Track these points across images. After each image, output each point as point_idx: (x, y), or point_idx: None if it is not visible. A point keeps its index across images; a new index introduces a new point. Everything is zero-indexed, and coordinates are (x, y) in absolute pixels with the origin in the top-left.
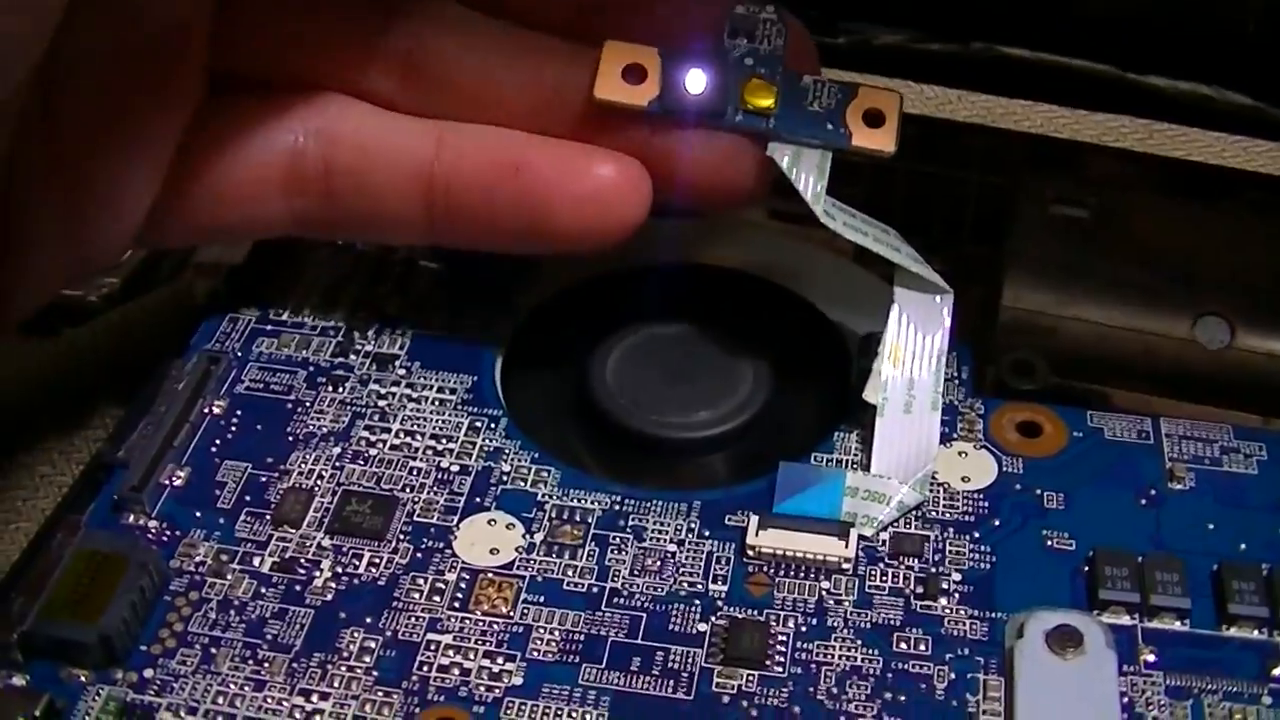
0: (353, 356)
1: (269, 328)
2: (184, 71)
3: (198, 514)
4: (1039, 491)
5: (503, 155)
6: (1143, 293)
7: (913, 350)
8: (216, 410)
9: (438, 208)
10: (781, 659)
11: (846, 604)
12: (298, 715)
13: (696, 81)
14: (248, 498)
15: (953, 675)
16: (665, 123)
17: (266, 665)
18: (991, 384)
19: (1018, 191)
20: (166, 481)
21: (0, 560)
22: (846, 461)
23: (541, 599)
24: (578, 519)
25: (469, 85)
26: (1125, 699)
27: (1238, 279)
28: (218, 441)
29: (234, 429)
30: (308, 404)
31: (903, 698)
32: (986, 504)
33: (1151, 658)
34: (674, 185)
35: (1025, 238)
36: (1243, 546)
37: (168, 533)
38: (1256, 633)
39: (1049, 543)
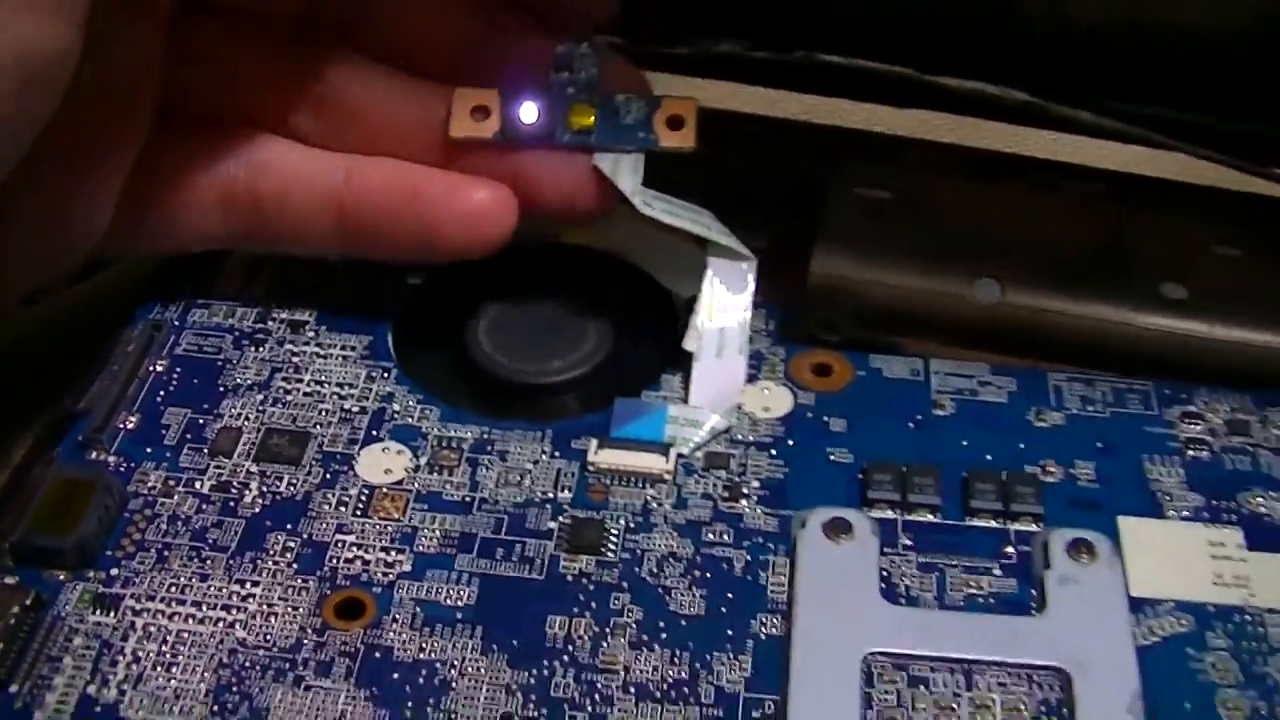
0: (271, 323)
1: (200, 301)
2: (139, 108)
3: (148, 450)
4: (825, 418)
5: (401, 183)
6: (930, 260)
7: (723, 306)
8: (160, 369)
9: (348, 227)
10: (614, 548)
11: (666, 506)
12: (235, 599)
13: (529, 113)
14: (189, 436)
15: (749, 558)
16: (510, 148)
17: (209, 562)
18: (803, 338)
19: (830, 177)
20: (121, 425)
21: None
22: (670, 397)
23: (425, 507)
24: (454, 446)
25: (371, 123)
26: (885, 573)
27: (1009, 247)
28: (162, 393)
29: (175, 383)
30: (234, 362)
31: (709, 575)
32: (783, 428)
33: (908, 542)
34: (534, 200)
35: (834, 216)
36: (988, 458)
37: (124, 465)
38: (993, 522)
39: (831, 457)
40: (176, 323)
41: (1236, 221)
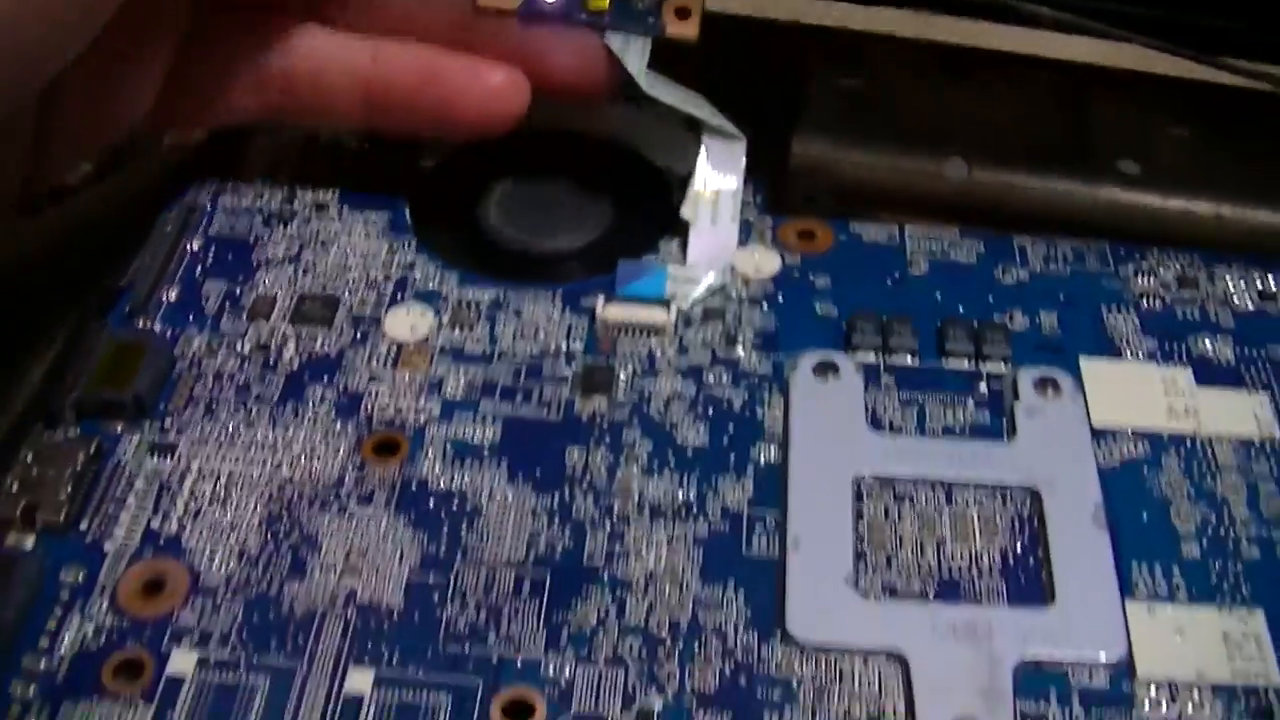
0: (296, 204)
1: (229, 187)
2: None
3: (190, 317)
4: (811, 277)
5: (423, 65)
6: (903, 142)
7: (717, 180)
8: (195, 247)
9: (374, 104)
10: (624, 390)
11: (670, 353)
12: (279, 442)
13: None
14: (227, 304)
15: (747, 396)
16: (532, 23)
17: (254, 412)
18: (787, 213)
19: (810, 69)
20: (164, 298)
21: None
22: (669, 260)
23: (450, 359)
24: (473, 306)
25: (396, 9)
26: (869, 408)
27: (976, 130)
28: (199, 268)
29: (211, 259)
30: (265, 239)
31: (710, 411)
32: (773, 286)
33: (890, 382)
34: (546, 77)
35: (814, 103)
36: (960, 310)
37: (169, 331)
38: (966, 364)
39: (818, 310)
40: (209, 206)
41: (1187, 106)
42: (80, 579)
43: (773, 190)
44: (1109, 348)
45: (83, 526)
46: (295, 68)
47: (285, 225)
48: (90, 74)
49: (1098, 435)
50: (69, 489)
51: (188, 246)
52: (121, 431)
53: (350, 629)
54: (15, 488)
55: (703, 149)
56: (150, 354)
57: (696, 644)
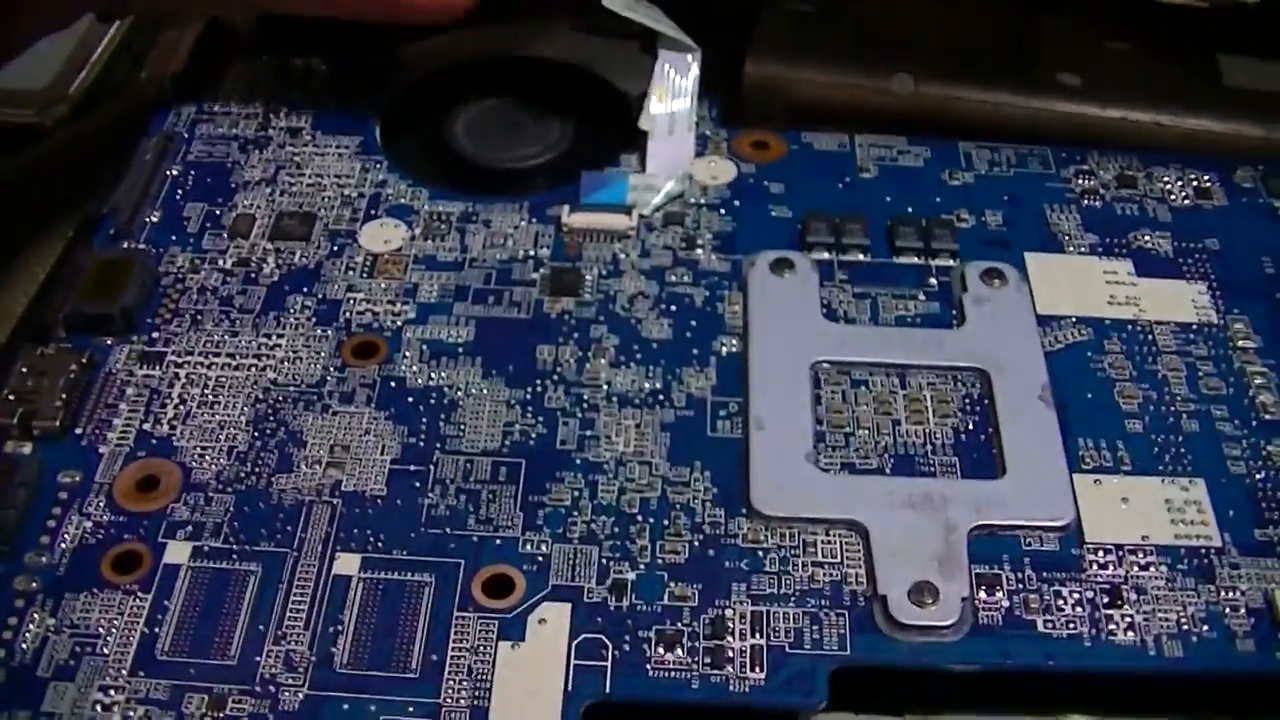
0: (271, 131)
1: (205, 116)
2: None
3: (173, 237)
4: (766, 183)
5: None
6: (852, 59)
7: (672, 91)
8: (175, 173)
9: None
10: (590, 290)
11: (633, 255)
12: (263, 349)
13: None
14: (208, 224)
15: (707, 293)
16: None
17: (238, 322)
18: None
19: None
20: (147, 220)
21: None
22: (630, 171)
23: (423, 268)
24: (444, 219)
25: None
26: (825, 302)
27: (922, 46)
28: (179, 192)
29: (191, 183)
30: (242, 163)
31: (673, 308)
32: (729, 192)
33: (844, 277)
34: None
35: (766, 24)
36: (909, 210)
37: (154, 250)
38: (915, 259)
39: (773, 213)
40: (186, 134)
41: (1126, 22)
42: (77, 480)
43: (727, 106)
44: (1053, 243)
45: (78, 431)
46: None
47: (261, 150)
48: None
49: (1043, 322)
50: (63, 396)
51: (168, 172)
52: (111, 343)
53: (337, 516)
54: (12, 398)
55: (659, 60)
56: (136, 269)
57: (666, 520)
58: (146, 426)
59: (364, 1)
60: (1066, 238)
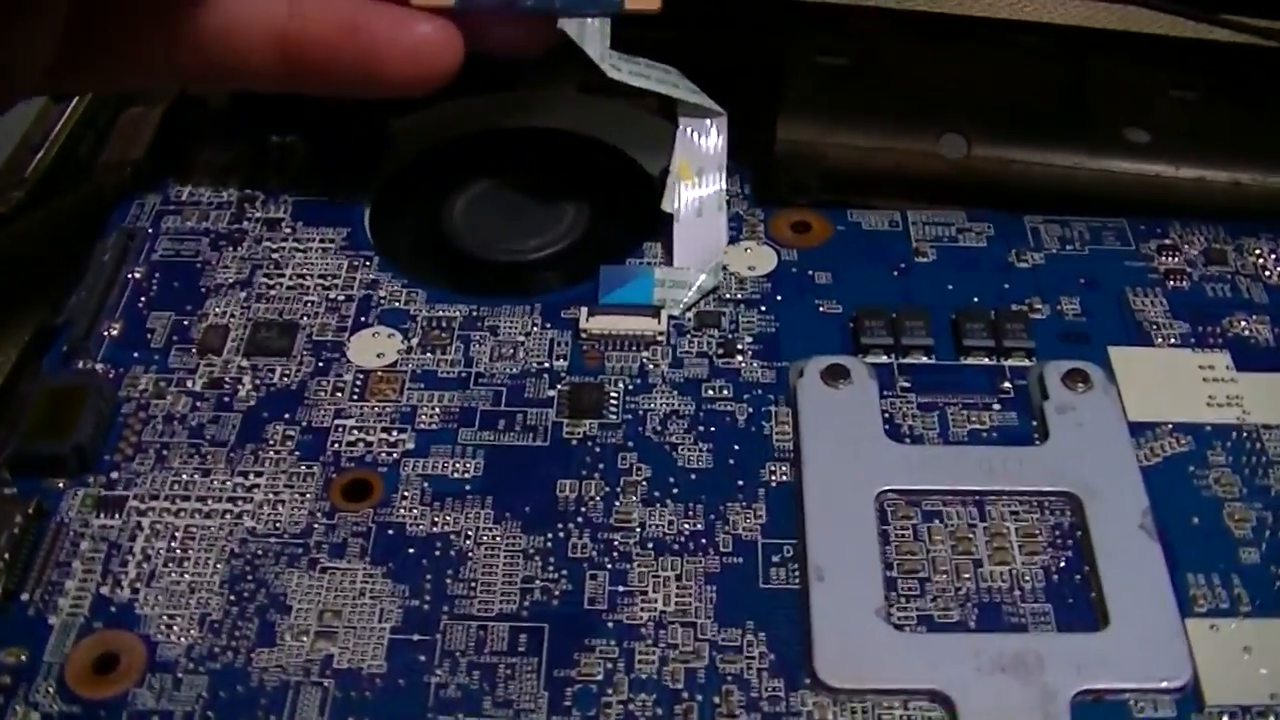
0: (246, 223)
1: (172, 207)
2: None
3: (135, 354)
4: (810, 272)
5: (344, 16)
6: (894, 119)
7: (698, 164)
8: (138, 275)
9: (291, 59)
10: (615, 410)
11: (663, 366)
12: (239, 490)
13: None
14: (175, 337)
15: (750, 410)
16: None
17: (209, 457)
18: (775, 202)
19: (787, 48)
20: (105, 333)
21: None
22: (654, 263)
23: (422, 385)
24: (444, 325)
25: None
26: (886, 415)
27: (971, 102)
28: (142, 299)
29: (155, 288)
30: (213, 262)
31: (713, 429)
32: (769, 285)
33: (906, 384)
34: (480, 45)
35: (795, 83)
36: (975, 299)
37: (112, 371)
38: (986, 360)
39: (820, 309)
40: (150, 230)
41: (1190, 67)
42: (23, 659)
43: (757, 180)
44: (1138, 334)
45: (24, 597)
46: (203, 21)
47: (235, 247)
48: None
49: (1135, 431)
50: (6, 556)
51: (129, 275)
52: (64, 487)
53: (329, 701)
54: None
55: (680, 128)
56: (91, 398)
57: (717, 697)
58: (104, 590)
59: (332, 76)
60: (1154, 327)
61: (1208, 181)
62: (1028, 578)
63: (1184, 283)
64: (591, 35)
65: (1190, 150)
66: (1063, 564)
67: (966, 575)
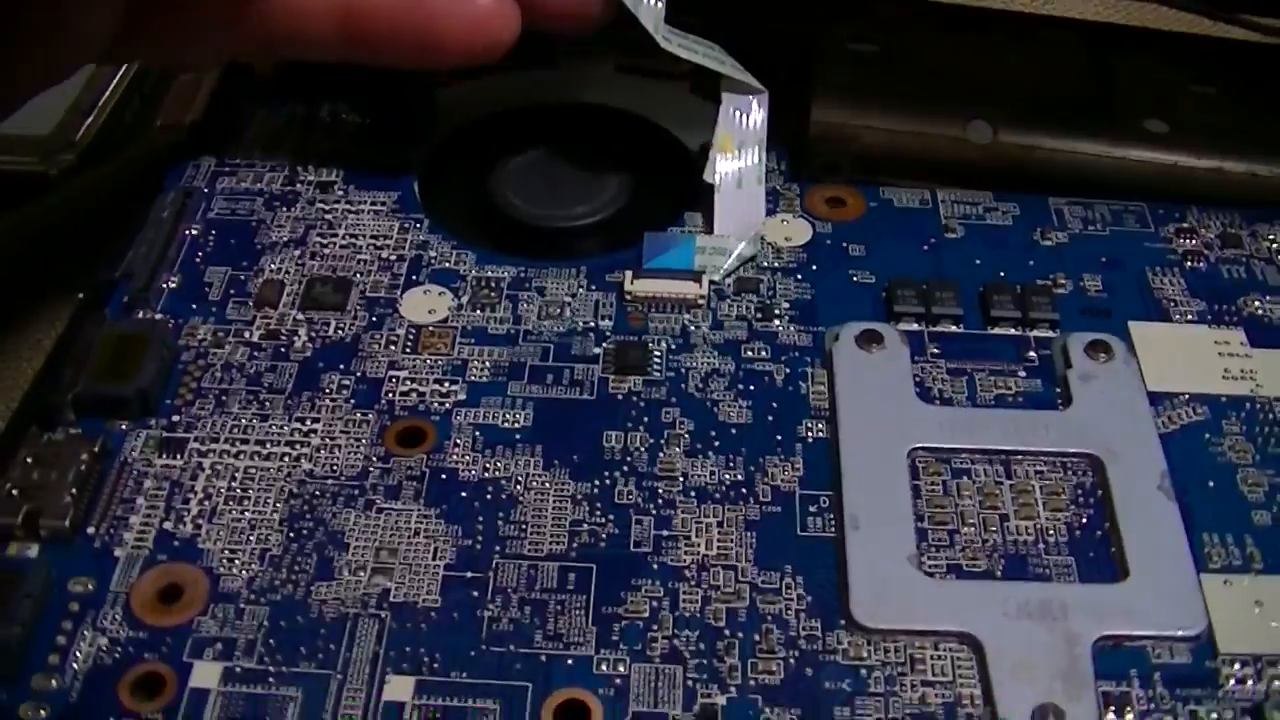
0: (299, 185)
1: (227, 168)
2: None
3: (194, 306)
4: (844, 244)
5: None
6: (923, 105)
7: (739, 139)
8: (194, 233)
9: (351, 30)
10: (659, 368)
11: (704, 328)
12: (297, 435)
13: None
14: (232, 291)
15: (788, 371)
16: None
17: (268, 404)
18: (810, 180)
19: (820, 35)
20: (164, 286)
21: (4, 410)
22: (694, 231)
23: (473, 340)
24: (493, 285)
25: None
26: (917, 379)
27: (997, 91)
28: (199, 254)
29: (211, 244)
30: (268, 221)
31: (752, 387)
32: (805, 255)
33: (936, 350)
34: (541, 14)
35: (828, 68)
36: (1001, 274)
37: (172, 321)
38: (1013, 330)
39: (854, 279)
40: (206, 189)
41: (1210, 63)
42: (90, 589)
43: (793, 158)
44: (1157, 310)
45: (90, 532)
46: None
47: (289, 207)
48: None
49: (1154, 400)
50: (73, 492)
51: (187, 232)
52: (126, 429)
53: (386, 632)
54: (15, 493)
55: (723, 103)
56: (153, 345)
57: (757, 635)
58: (168, 526)
59: (393, 47)
60: (1172, 304)
61: (1225, 172)
62: (1051, 532)
63: (1201, 264)
64: (647, 6)
65: (1208, 142)
66: (1084, 521)
67: (993, 528)
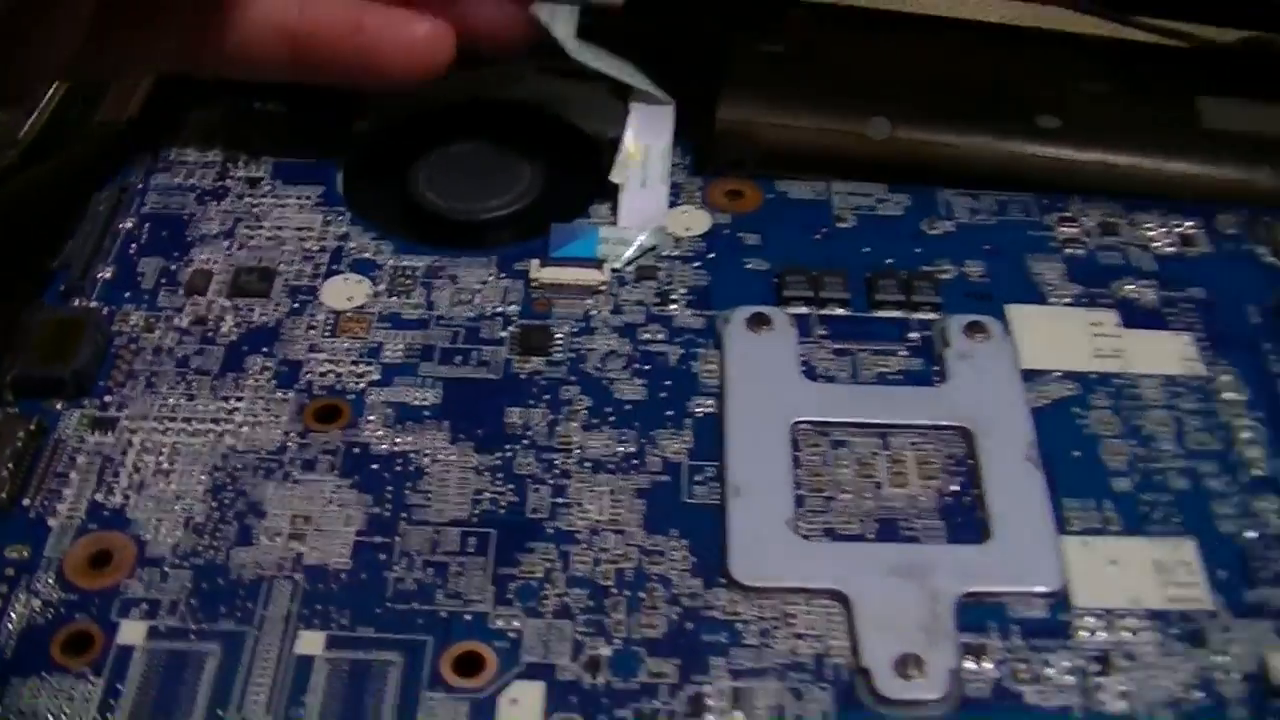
0: (229, 181)
1: (161, 165)
2: None
3: (126, 294)
4: (740, 235)
5: (349, 16)
6: (826, 103)
7: (645, 143)
8: (129, 225)
9: (299, 55)
10: (561, 349)
11: (605, 312)
12: (221, 413)
13: None
14: (163, 280)
15: (682, 351)
16: None
17: (195, 385)
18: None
19: (730, 36)
20: (99, 276)
21: None
22: (601, 223)
23: (388, 325)
24: (409, 274)
25: None
26: (803, 359)
27: (897, 89)
28: (134, 246)
29: (145, 237)
30: (199, 216)
31: (647, 367)
32: (704, 244)
33: (823, 332)
34: (469, 35)
35: (737, 68)
36: (889, 261)
37: (106, 309)
38: (896, 313)
39: (748, 266)
40: (141, 185)
41: (1102, 62)
42: (25, 555)
43: (699, 154)
44: (1035, 294)
45: (25, 503)
46: (222, 20)
47: (219, 201)
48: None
49: (1027, 377)
50: (10, 467)
51: (121, 226)
52: (62, 409)
53: (299, 592)
54: None
55: (632, 112)
56: (89, 330)
57: (642, 592)
58: (99, 497)
59: (336, 71)
60: (1050, 288)
61: (1111, 165)
62: (922, 499)
63: (1080, 250)
64: (561, 20)
65: (1096, 137)
66: (954, 489)
67: (868, 495)
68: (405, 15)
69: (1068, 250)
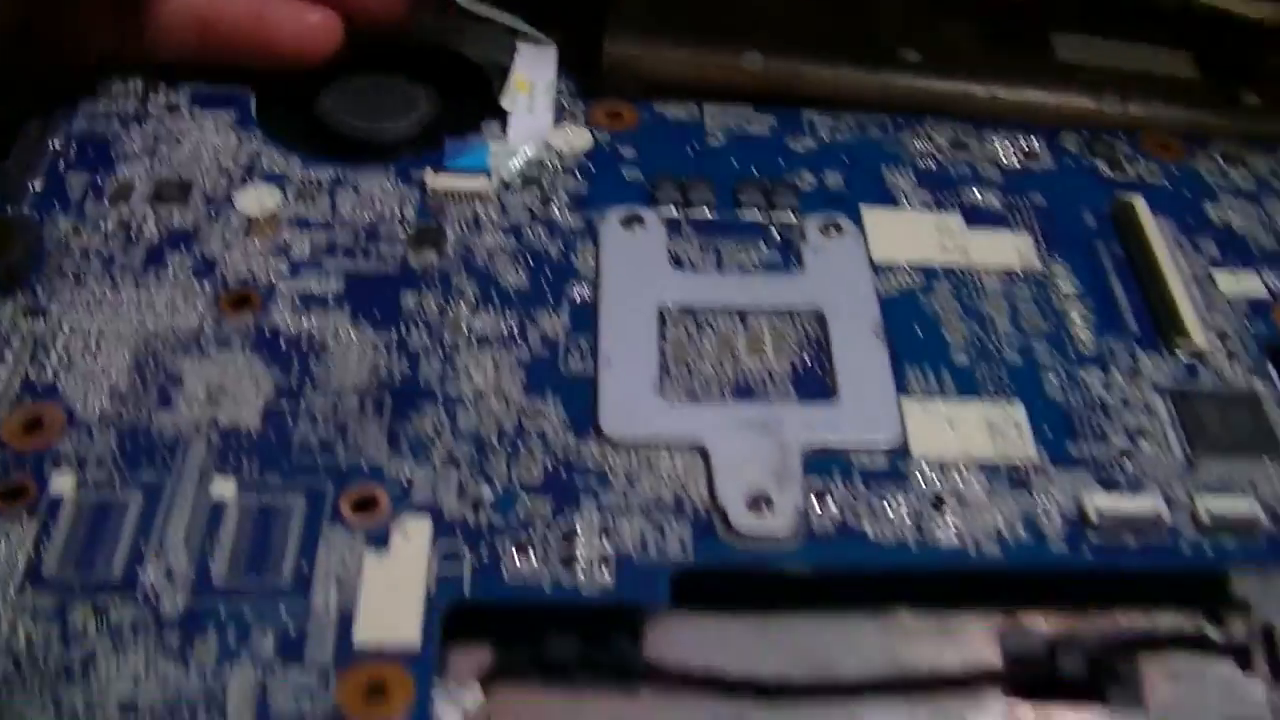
0: (150, 106)
1: (87, 95)
2: None
3: (56, 203)
4: (620, 149)
5: (250, 7)
6: (705, 38)
7: (531, 77)
8: (58, 145)
9: (208, 39)
10: (452, 245)
11: (493, 214)
12: (144, 302)
13: None
14: (90, 192)
15: (562, 245)
16: None
17: (119, 279)
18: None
19: None
20: (31, 188)
21: None
22: (491, 138)
23: (297, 228)
24: (315, 184)
25: None
26: (672, 253)
27: (770, 24)
28: (62, 163)
29: (74, 155)
30: (122, 136)
31: (530, 259)
32: (584, 158)
33: (690, 230)
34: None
35: (621, 7)
36: (754, 172)
37: (37, 217)
38: (759, 216)
39: (625, 176)
40: (69, 112)
41: (962, 8)
42: None
43: (586, 83)
44: (888, 199)
45: None
46: (148, 8)
47: (141, 124)
48: None
49: (878, 269)
50: None
51: (51, 144)
52: None
53: (213, 447)
54: None
55: (516, 54)
56: (20, 231)
57: (521, 444)
58: (31, 373)
59: (240, 53)
60: (902, 194)
61: (968, 93)
62: (777, 369)
63: (931, 164)
64: None
65: (956, 68)
66: (807, 362)
67: (727, 366)
68: (300, 7)
69: (920, 163)
